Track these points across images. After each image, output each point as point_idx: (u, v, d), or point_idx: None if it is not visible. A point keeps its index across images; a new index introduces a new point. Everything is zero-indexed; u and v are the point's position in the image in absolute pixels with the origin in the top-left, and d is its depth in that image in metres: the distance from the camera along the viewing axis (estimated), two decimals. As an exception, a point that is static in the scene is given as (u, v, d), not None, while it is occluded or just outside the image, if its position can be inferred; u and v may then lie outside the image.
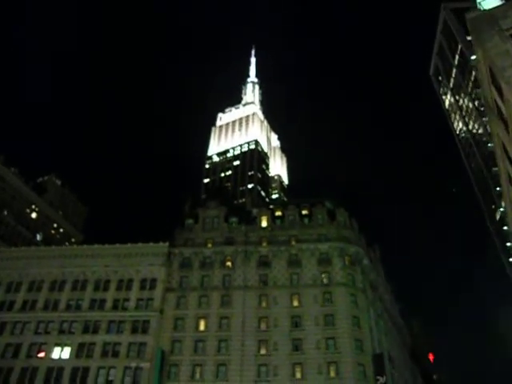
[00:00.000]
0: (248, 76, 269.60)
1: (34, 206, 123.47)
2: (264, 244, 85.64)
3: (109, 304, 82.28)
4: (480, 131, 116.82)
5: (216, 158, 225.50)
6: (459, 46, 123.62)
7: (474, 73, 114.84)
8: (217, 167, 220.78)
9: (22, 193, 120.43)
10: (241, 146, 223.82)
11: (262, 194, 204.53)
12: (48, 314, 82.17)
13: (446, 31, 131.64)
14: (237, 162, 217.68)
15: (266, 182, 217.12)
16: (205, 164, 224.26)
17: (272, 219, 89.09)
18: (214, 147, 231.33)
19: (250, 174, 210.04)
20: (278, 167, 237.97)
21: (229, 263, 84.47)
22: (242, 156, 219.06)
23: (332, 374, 72.08)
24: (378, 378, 72.97)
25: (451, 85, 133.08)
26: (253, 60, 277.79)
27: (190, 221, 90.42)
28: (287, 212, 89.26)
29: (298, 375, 72.39)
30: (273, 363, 73.43)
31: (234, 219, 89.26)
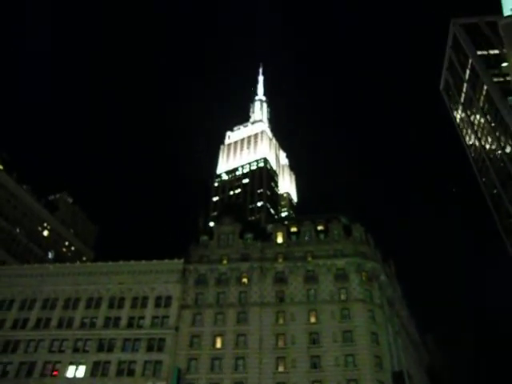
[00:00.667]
0: (256, 94, 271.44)
1: (45, 224, 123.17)
2: (280, 260, 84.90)
3: (124, 322, 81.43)
4: (493, 146, 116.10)
5: (225, 176, 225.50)
6: (470, 61, 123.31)
7: (485, 87, 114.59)
8: (226, 185, 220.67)
9: (34, 210, 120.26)
10: (250, 163, 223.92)
11: (272, 211, 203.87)
12: (62, 332, 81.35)
13: (456, 46, 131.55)
14: (246, 180, 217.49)
15: (275, 199, 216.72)
16: (214, 182, 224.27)
17: (287, 235, 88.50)
18: (223, 165, 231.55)
19: (259, 191, 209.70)
20: (286, 185, 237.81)
21: (245, 280, 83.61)
22: (250, 174, 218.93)
23: (352, 391, 70.84)
24: (398, 395, 71.76)
25: (462, 100, 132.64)
26: (260, 78, 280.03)
27: (205, 237, 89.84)
28: (303, 228, 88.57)
29: (318, 393, 71.11)
30: (291, 381, 72.21)
31: (249, 235, 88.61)
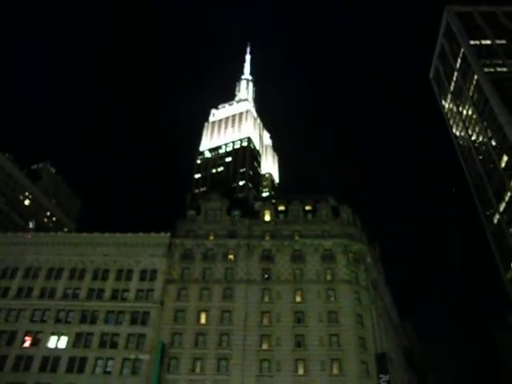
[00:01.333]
0: (242, 73, 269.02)
1: (27, 193, 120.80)
2: (267, 238, 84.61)
3: (107, 294, 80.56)
4: (480, 136, 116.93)
5: (208, 154, 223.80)
6: (462, 50, 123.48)
7: (476, 77, 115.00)
8: (208, 163, 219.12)
9: (16, 179, 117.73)
10: (233, 142, 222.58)
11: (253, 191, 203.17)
12: (44, 302, 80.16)
13: (449, 34, 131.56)
14: (229, 159, 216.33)
15: (257, 179, 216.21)
16: (196, 159, 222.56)
17: (275, 214, 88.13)
18: (207, 143, 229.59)
19: (241, 170, 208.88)
20: (269, 165, 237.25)
21: (231, 256, 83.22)
22: (234, 153, 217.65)
23: (335, 370, 71.37)
24: (381, 376, 72.47)
25: (452, 88, 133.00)
26: (248, 57, 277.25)
27: (192, 212, 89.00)
28: (291, 207, 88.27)
29: (301, 371, 71.48)
30: (275, 358, 72.35)
31: (236, 212, 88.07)
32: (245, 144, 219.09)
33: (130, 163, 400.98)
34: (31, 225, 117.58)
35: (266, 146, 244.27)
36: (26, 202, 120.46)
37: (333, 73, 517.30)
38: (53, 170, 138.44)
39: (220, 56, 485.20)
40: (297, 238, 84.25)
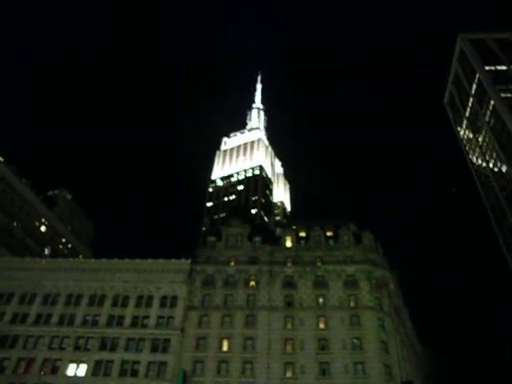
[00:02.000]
0: (253, 102, 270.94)
1: (43, 220, 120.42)
2: (289, 264, 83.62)
3: (127, 321, 79.30)
4: (498, 162, 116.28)
5: (220, 182, 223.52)
6: (477, 76, 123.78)
7: (492, 102, 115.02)
8: (220, 191, 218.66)
9: (32, 205, 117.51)
10: (245, 171, 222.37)
11: (265, 219, 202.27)
12: (63, 328, 78.92)
13: (463, 60, 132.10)
14: (241, 187, 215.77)
15: (270, 207, 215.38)
16: (208, 187, 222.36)
17: (296, 240, 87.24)
18: (218, 171, 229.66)
19: (253, 199, 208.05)
20: (281, 194, 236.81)
21: (253, 283, 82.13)
22: (246, 181, 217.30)
23: (362, 400, 69.50)
24: (408, 404, 70.68)
25: (467, 114, 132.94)
26: (259, 86, 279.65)
27: (212, 238, 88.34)
28: (312, 233, 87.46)
29: (326, 400, 69.62)
30: (300, 387, 70.61)
31: (257, 238, 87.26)
32: (257, 172, 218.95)
33: (141, 189, 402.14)
34: (47, 251, 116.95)
35: (278, 174, 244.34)
36: (42, 229, 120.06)
37: (338, 103, 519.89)
38: (68, 197, 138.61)
39: (231, 84, 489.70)
40: (319, 264, 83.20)
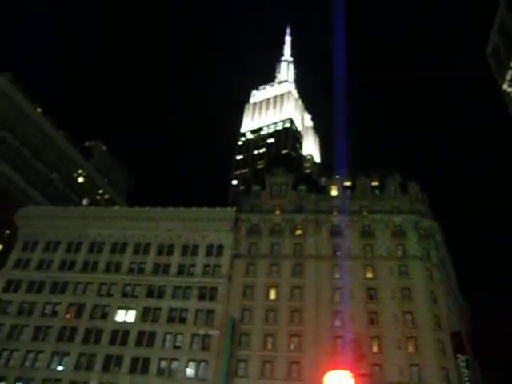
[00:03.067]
0: (282, 54, 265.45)
1: (81, 171, 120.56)
2: (335, 213, 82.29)
3: (173, 269, 79.45)
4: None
5: (250, 135, 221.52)
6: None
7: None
8: (250, 144, 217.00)
9: (70, 156, 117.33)
10: (275, 123, 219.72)
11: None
12: (110, 276, 79.68)
13: (510, 7, 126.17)
14: (271, 140, 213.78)
15: (300, 161, 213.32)
16: (238, 141, 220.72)
17: (342, 189, 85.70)
18: (248, 124, 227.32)
19: (283, 152, 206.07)
20: (310, 147, 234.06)
21: (299, 231, 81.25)
22: (276, 134, 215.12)
23: (410, 349, 69.06)
24: (459, 356, 70.03)
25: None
26: (288, 39, 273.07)
27: (257, 187, 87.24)
28: (358, 182, 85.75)
29: (375, 349, 69.24)
30: (349, 336, 70.26)
31: (302, 187, 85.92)
32: (287, 125, 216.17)
33: (175, 143, 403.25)
34: (85, 202, 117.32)
35: (308, 128, 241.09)
36: (80, 180, 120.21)
37: (368, 55, 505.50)
38: (104, 148, 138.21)
39: (259, 38, 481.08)
40: (365, 213, 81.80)
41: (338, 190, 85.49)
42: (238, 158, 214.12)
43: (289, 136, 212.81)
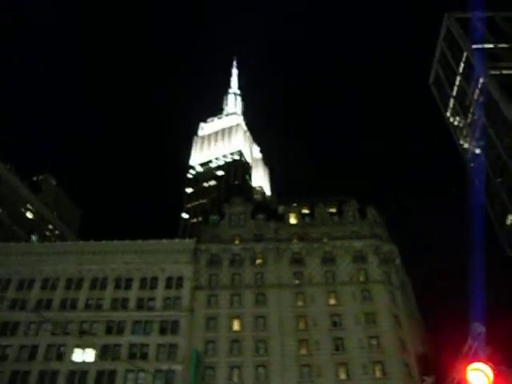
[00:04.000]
0: (229, 87, 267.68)
1: (29, 206, 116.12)
2: (295, 241, 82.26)
3: (132, 304, 76.86)
4: (489, 139, 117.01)
5: (199, 168, 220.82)
6: (464, 54, 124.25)
7: (481, 80, 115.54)
8: (200, 177, 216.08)
9: (18, 191, 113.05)
10: (224, 156, 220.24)
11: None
12: (66, 313, 75.91)
13: (449, 39, 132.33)
14: (221, 172, 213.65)
15: (249, 192, 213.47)
16: (187, 173, 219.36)
17: (301, 216, 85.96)
18: (197, 157, 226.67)
19: (233, 184, 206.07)
20: (260, 178, 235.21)
21: (259, 260, 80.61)
22: (225, 166, 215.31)
23: (378, 374, 68.85)
24: (425, 378, 70.29)
25: (454, 93, 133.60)
26: (234, 71, 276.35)
27: (215, 217, 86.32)
28: (316, 209, 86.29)
29: (343, 376, 68.76)
30: (315, 363, 69.57)
31: (261, 216, 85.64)
32: (236, 157, 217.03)
33: (122, 176, 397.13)
34: (34, 238, 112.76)
35: (256, 160, 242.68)
36: (28, 215, 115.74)
37: (312, 87, 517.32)
38: (53, 182, 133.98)
39: (206, 70, 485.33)
40: (325, 239, 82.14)
41: (297, 217, 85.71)
42: (188, 190, 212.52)
43: (238, 168, 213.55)
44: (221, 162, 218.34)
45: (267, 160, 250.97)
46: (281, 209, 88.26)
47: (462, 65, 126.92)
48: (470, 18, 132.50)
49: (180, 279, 78.88)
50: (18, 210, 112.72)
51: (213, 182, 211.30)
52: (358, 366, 69.06)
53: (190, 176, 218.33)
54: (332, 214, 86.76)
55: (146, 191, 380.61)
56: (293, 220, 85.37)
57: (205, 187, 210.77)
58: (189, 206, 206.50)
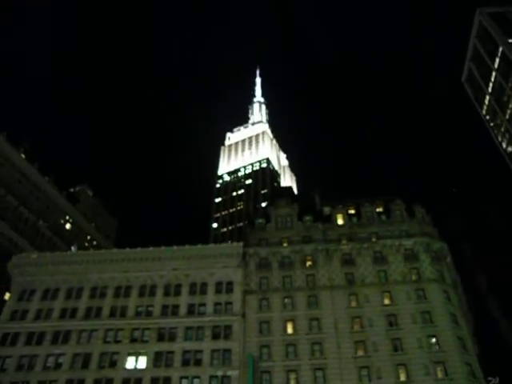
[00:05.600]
0: (254, 96, 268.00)
1: (67, 217, 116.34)
2: (344, 241, 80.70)
3: (183, 310, 75.90)
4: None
5: (227, 178, 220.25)
6: (500, 49, 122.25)
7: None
8: (228, 186, 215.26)
9: (57, 202, 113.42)
10: (252, 164, 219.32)
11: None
12: (116, 321, 75.32)
13: (483, 35, 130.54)
14: (249, 181, 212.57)
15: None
16: (216, 183, 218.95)
17: (348, 217, 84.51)
18: (225, 166, 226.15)
19: (262, 192, 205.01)
20: (288, 185, 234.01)
21: (309, 262, 79.16)
22: (254, 174, 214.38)
23: (440, 374, 66.65)
24: (491, 378, 68.33)
25: (490, 90, 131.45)
26: (258, 80, 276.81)
27: (261, 220, 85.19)
28: (363, 209, 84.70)
29: (403, 377, 66.72)
30: (374, 365, 67.65)
31: (308, 217, 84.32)
32: (264, 165, 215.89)
33: (153, 188, 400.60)
34: (73, 249, 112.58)
35: (284, 167, 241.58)
36: (67, 226, 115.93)
37: (335, 94, 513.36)
38: (90, 193, 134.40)
39: (229, 80, 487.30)
40: (374, 239, 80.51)
41: (344, 218, 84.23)
42: (217, 200, 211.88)
43: (266, 175, 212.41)
44: (248, 171, 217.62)
45: (294, 167, 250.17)
46: (326, 210, 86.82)
47: (498, 60, 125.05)
48: (503, 12, 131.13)
49: (230, 284, 77.77)
50: (57, 221, 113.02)
51: (241, 191, 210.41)
52: (419, 366, 66.99)
53: (218, 185, 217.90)
54: (379, 213, 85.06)
55: (175, 203, 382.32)
56: (340, 221, 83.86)
57: (233, 196, 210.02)
58: (217, 215, 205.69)
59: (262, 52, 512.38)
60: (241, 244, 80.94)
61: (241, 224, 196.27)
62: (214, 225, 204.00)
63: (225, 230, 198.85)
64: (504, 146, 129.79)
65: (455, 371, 66.19)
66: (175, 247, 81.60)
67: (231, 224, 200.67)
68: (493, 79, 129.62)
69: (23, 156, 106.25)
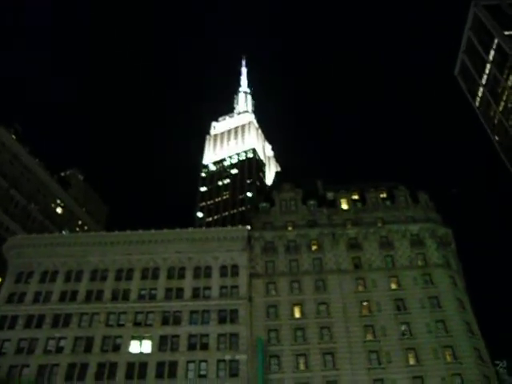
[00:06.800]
0: (239, 86, 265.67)
1: (59, 201, 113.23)
2: (349, 226, 79.96)
3: (187, 293, 74.16)
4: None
5: (212, 167, 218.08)
6: (495, 41, 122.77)
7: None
8: (214, 176, 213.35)
9: (48, 186, 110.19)
10: (238, 154, 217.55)
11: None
12: (118, 304, 73.27)
13: (477, 27, 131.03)
14: (234, 171, 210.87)
15: (264, 190, 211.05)
16: (201, 172, 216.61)
17: (352, 202, 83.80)
18: (210, 156, 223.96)
19: (248, 182, 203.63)
20: (273, 176, 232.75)
21: (315, 246, 78.18)
22: (239, 164, 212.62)
23: (448, 358, 66.56)
24: (498, 362, 68.53)
25: (484, 81, 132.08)
26: (244, 70, 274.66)
27: (265, 204, 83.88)
28: (368, 195, 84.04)
29: (412, 361, 66.50)
30: (383, 349, 67.21)
31: (312, 202, 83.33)
32: (250, 155, 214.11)
33: (139, 177, 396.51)
34: (64, 233, 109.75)
35: (269, 158, 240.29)
36: (59, 210, 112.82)
37: (322, 82, 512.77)
38: (81, 177, 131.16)
39: (215, 70, 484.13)
40: (379, 224, 79.96)
41: (348, 203, 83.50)
42: (202, 189, 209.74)
43: (252, 166, 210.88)
44: (234, 161, 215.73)
45: (279, 158, 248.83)
46: (330, 195, 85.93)
47: (493, 52, 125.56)
48: (498, 4, 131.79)
49: (235, 267, 76.32)
50: (48, 205, 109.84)
51: (227, 181, 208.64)
52: (428, 350, 66.89)
53: (203, 175, 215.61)
54: (384, 199, 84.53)
55: (159, 191, 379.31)
56: (344, 205, 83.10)
57: (219, 185, 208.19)
58: (203, 204, 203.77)
59: (248, 41, 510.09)
60: (246, 227, 79.44)
61: (226, 213, 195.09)
62: (199, 214, 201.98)
63: (210, 219, 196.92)
64: (497, 138, 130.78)
65: (464, 355, 66.21)
66: (178, 229, 79.81)
67: (216, 213, 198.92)
68: (487, 71, 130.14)
69: (14, 137, 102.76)
